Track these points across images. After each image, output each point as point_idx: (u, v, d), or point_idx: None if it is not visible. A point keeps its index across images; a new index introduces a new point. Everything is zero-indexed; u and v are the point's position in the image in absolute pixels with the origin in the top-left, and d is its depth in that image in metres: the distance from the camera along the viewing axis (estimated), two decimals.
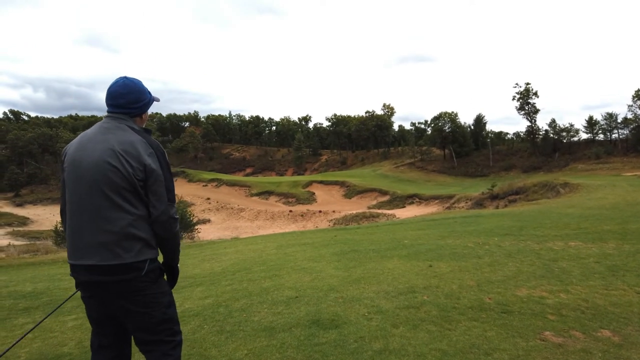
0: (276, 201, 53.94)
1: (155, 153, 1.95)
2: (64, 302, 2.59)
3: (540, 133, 67.11)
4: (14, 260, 10.36)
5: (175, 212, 2.01)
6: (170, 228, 1.98)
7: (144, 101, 2.06)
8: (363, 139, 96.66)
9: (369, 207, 44.34)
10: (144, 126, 2.10)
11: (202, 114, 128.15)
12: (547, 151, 63.04)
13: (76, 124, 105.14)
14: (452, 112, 74.06)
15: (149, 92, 2.10)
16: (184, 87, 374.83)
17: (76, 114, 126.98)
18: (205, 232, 32.37)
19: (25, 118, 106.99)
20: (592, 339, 2.92)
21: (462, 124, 74.94)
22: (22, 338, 2.15)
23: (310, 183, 60.95)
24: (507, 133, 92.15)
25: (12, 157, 79.81)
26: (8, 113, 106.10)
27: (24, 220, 48.09)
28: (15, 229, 43.22)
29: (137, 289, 1.92)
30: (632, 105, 59.36)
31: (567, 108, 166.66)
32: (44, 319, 2.25)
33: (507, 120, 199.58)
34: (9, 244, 23.41)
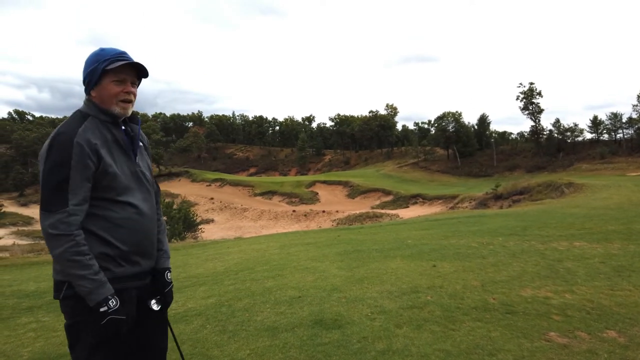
0: (279, 201, 54.04)
1: (48, 144, 1.50)
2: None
3: (545, 133, 66.82)
4: (18, 259, 10.44)
5: (52, 225, 1.45)
6: (49, 245, 1.48)
7: (84, 74, 1.64)
8: (366, 139, 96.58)
9: (372, 207, 44.33)
10: (99, 103, 1.62)
11: (206, 114, 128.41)
12: (551, 151, 62.71)
13: None
14: (456, 111, 73.81)
15: (97, 61, 1.60)
16: (187, 88, 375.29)
17: None
18: (208, 232, 32.50)
19: (30, 118, 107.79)
20: (598, 339, 2.89)
21: (466, 123, 74.70)
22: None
23: (313, 183, 61.02)
24: (511, 133, 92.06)
25: (16, 157, 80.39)
26: (13, 113, 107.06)
27: (28, 220, 48.39)
28: (20, 228, 43.57)
29: (64, 313, 1.63)
30: (637, 105, 59.02)
31: (570, 108, 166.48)
32: None
33: (510, 120, 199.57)
34: (14, 244, 23.57)
